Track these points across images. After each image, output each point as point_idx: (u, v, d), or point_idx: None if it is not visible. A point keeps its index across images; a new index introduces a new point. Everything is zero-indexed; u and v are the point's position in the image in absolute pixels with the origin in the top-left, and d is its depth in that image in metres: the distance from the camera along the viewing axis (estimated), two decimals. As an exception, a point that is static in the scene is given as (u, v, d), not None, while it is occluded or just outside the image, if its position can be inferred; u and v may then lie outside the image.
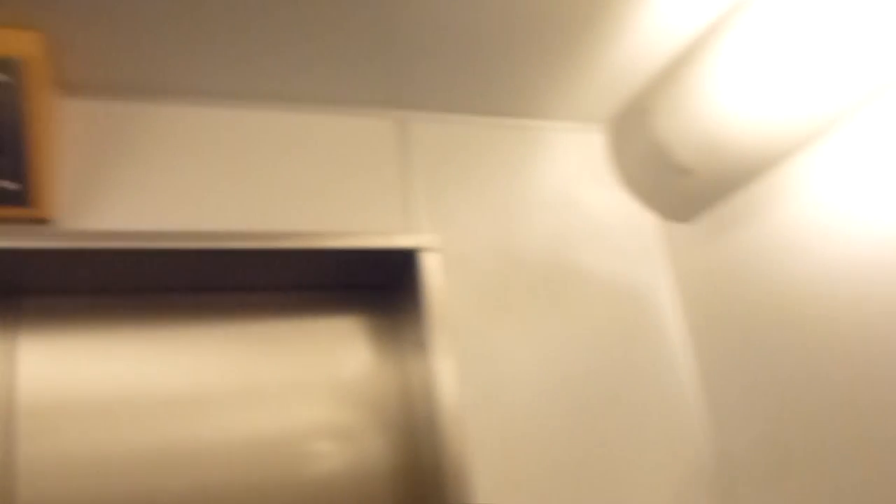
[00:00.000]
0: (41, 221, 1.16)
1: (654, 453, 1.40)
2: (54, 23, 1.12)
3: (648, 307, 1.51)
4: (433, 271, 1.36)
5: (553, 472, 1.33)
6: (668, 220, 1.58)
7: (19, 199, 1.13)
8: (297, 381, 1.42)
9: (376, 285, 1.52)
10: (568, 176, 1.56)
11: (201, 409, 1.36)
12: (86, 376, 1.32)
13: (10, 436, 1.25)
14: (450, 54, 1.32)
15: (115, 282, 1.34)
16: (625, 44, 1.35)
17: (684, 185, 1.35)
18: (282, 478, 1.36)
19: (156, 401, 1.34)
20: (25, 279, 1.29)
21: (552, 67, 1.40)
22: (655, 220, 1.61)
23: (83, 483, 1.27)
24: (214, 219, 1.27)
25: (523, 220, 1.49)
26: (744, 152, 1.27)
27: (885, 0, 1.05)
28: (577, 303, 1.46)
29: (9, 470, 1.23)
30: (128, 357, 1.35)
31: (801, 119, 1.21)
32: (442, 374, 1.31)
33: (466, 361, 1.35)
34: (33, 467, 1.25)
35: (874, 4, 1.06)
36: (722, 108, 1.23)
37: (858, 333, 1.17)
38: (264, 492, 1.34)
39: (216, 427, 1.35)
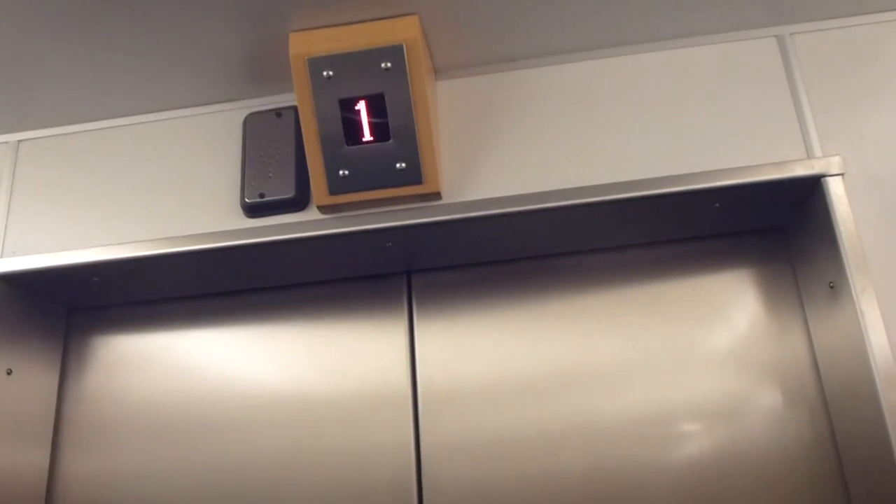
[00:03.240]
0: (432, 197, 1.24)
1: None
2: (427, 7, 1.17)
3: None
4: (842, 200, 1.17)
5: None
6: None
7: (412, 177, 1.21)
8: (686, 347, 1.33)
9: (763, 228, 1.35)
10: None
11: (593, 383, 1.33)
12: (478, 352, 1.37)
13: (413, 414, 1.35)
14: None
15: (497, 252, 1.38)
16: None
17: None
18: (679, 457, 1.27)
19: (546, 375, 1.34)
20: (416, 257, 1.38)
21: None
22: None
23: (481, 462, 1.31)
24: (590, 174, 1.23)
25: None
26: None
27: None
28: None
29: (414, 449, 1.33)
30: (516, 329, 1.38)
31: None
32: (868, 321, 1.11)
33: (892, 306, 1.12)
34: (434, 444, 1.33)
35: None
36: None
37: None
38: (660, 471, 1.27)
39: (611, 403, 1.31)
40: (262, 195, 1.27)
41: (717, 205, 1.24)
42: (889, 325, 1.10)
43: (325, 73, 1.17)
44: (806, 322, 1.31)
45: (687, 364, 1.32)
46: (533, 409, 1.32)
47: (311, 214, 1.27)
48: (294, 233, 1.25)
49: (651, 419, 1.29)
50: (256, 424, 1.38)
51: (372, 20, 1.18)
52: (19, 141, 1.42)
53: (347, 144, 1.20)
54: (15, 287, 1.35)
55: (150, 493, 1.37)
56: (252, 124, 1.32)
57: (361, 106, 1.18)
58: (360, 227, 1.23)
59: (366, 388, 1.37)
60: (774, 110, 1.24)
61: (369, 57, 1.16)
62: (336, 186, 1.22)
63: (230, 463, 1.36)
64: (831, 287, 1.19)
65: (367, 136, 1.19)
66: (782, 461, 1.25)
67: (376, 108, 1.18)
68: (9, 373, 1.33)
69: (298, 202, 1.27)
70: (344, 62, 1.17)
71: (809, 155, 1.21)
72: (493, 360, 1.36)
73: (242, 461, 1.36)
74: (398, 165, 1.20)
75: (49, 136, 1.42)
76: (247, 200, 1.28)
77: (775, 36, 1.28)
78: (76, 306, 1.49)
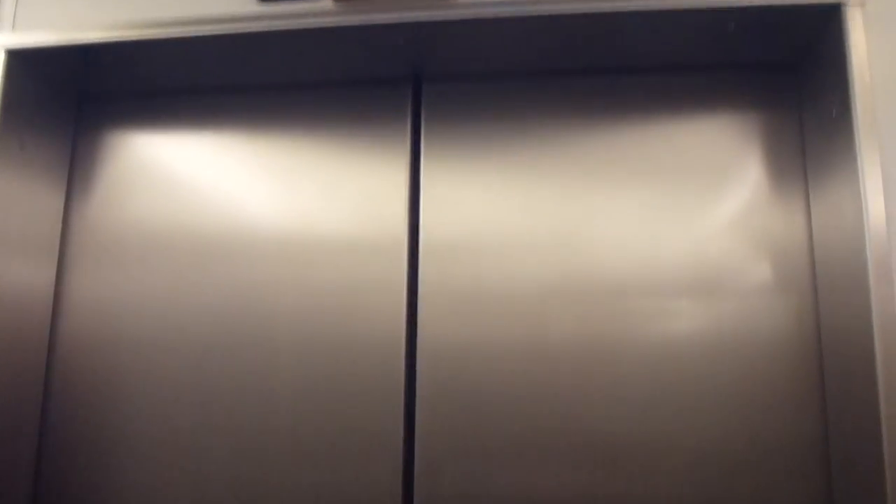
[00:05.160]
0: (447, -7, 1.22)
1: None
2: None
3: None
4: (858, 28, 1.14)
5: None
6: None
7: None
8: (685, 201, 1.32)
9: (775, 62, 1.33)
10: None
11: (588, 240, 1.33)
12: (481, 188, 1.38)
13: (409, 258, 1.37)
14: None
15: (507, 61, 1.37)
16: None
17: None
18: (661, 327, 1.29)
19: (544, 224, 1.35)
20: (426, 59, 1.37)
21: None
22: None
23: (478, 320, 1.32)
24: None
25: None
26: None
27: None
28: None
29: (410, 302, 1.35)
30: (518, 168, 1.37)
31: None
32: (868, 182, 1.10)
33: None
34: (432, 293, 1.34)
35: None
36: None
37: None
38: (640, 338, 1.29)
39: (603, 263, 1.32)
40: (277, -20, 1.26)
41: (733, 25, 1.23)
42: (887, 171, 1.11)
43: None
44: (806, 181, 1.31)
45: (685, 221, 1.32)
46: (529, 265, 1.34)
47: (325, 4, 1.26)
48: (305, 17, 1.24)
49: (641, 284, 1.30)
50: (253, 249, 1.40)
51: None
52: (31, -85, 1.39)
53: (367, -70, 1.18)
54: (25, 64, 1.36)
55: (146, 311, 1.42)
56: None
57: None
58: (372, 19, 1.22)
59: (363, 213, 1.39)
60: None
61: None
62: (352, -25, 1.20)
63: (226, 286, 1.39)
64: (833, 117, 1.19)
65: (388, -78, 1.17)
66: (764, 336, 1.26)
67: None
68: (21, 147, 1.36)
69: (313, -10, 1.26)
70: None
71: (828, -18, 1.18)
72: (495, 202, 1.37)
73: (237, 285, 1.39)
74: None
75: None
76: (261, -15, 1.27)
77: None
78: (85, 93, 1.50)
